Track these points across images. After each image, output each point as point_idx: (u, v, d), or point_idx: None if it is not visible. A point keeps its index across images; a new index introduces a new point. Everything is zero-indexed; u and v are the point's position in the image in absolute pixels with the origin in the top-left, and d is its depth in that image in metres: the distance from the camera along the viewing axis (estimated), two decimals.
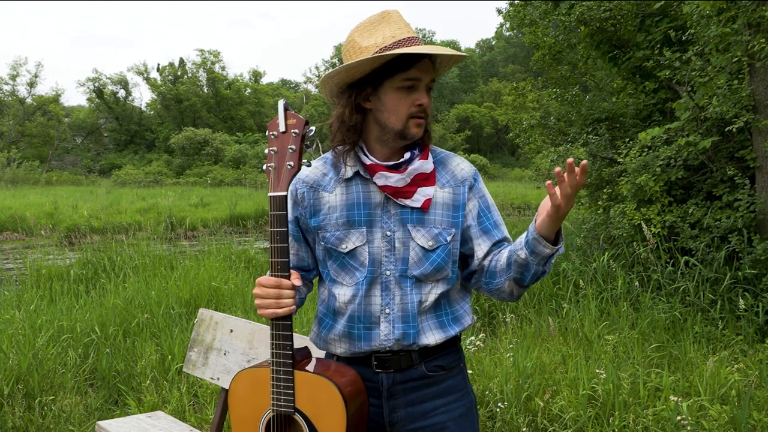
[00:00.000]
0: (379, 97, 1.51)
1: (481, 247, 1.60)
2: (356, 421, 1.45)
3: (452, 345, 1.63)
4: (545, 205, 1.41)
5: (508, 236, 1.65)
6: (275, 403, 1.45)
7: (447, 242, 1.56)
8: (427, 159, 1.57)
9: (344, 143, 1.57)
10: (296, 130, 1.45)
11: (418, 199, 1.54)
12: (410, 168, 1.54)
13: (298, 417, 1.45)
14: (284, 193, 1.44)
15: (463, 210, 1.59)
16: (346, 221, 1.56)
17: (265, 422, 1.48)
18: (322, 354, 1.72)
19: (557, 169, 1.33)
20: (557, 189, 1.36)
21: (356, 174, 1.58)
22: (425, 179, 1.56)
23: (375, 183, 1.55)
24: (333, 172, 1.60)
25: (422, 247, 1.55)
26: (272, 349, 1.45)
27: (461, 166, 1.63)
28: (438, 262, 1.55)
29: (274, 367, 1.44)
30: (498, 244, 1.61)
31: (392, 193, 1.54)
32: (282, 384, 1.44)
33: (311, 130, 1.47)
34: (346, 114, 1.54)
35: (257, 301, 1.45)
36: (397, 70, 1.48)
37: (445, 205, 1.57)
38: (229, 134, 42.98)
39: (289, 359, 1.43)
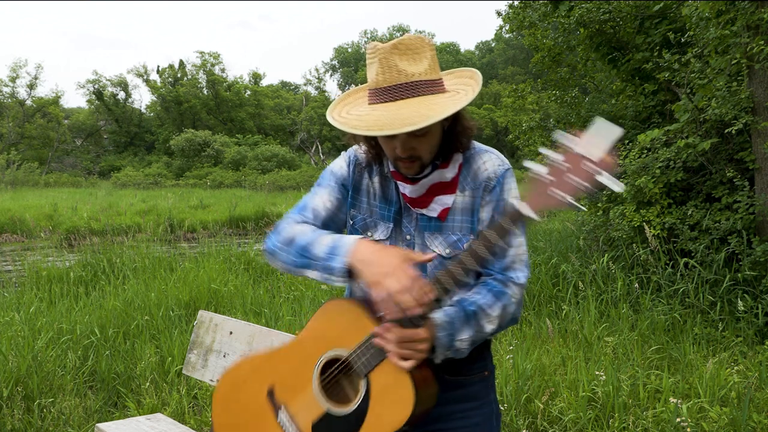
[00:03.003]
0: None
1: None
2: (406, 427, 1.40)
3: (477, 351, 1.55)
4: None
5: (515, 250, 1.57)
6: (357, 355, 1.41)
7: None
8: (448, 167, 1.51)
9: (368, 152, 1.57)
10: (599, 170, 1.19)
11: (434, 209, 1.51)
12: (423, 180, 1.50)
13: (362, 382, 1.41)
14: (532, 215, 1.27)
15: (477, 215, 1.53)
16: (378, 213, 1.57)
17: (326, 361, 1.46)
18: None
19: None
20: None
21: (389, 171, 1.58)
22: (445, 188, 1.51)
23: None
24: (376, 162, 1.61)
25: (440, 255, 1.52)
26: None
27: (485, 165, 1.53)
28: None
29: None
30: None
31: (409, 202, 1.54)
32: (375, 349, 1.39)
33: (615, 187, 1.20)
34: (355, 140, 1.58)
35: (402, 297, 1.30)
36: None
37: (465, 210, 1.52)
38: (229, 136, 42.95)
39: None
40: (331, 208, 1.60)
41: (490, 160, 1.54)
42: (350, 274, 1.39)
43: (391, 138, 1.42)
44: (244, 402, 1.60)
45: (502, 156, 1.57)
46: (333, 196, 1.60)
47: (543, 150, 1.27)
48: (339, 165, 1.64)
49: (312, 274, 1.46)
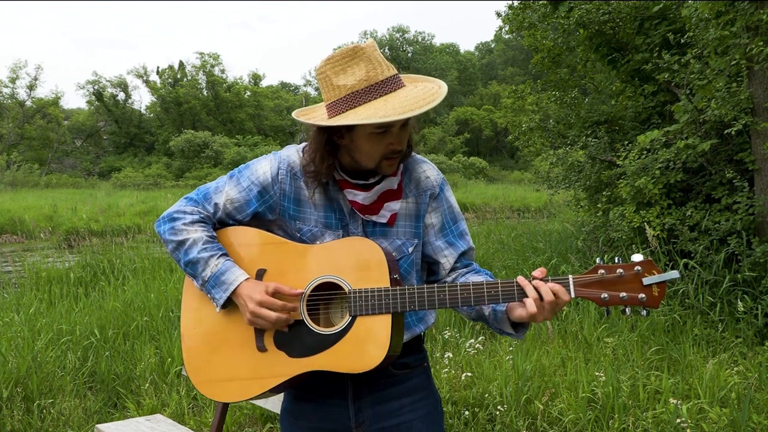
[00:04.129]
0: (352, 138, 1.50)
1: (447, 260, 1.64)
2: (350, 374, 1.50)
3: (417, 344, 1.66)
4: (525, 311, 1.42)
5: (472, 245, 1.69)
6: (360, 296, 1.46)
7: (409, 253, 1.60)
8: (396, 175, 1.59)
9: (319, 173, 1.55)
10: (643, 296, 1.39)
11: (384, 215, 1.57)
12: (377, 187, 1.56)
13: (347, 319, 1.47)
14: (572, 295, 1.42)
15: (423, 220, 1.62)
16: (324, 222, 1.58)
17: (323, 282, 1.51)
18: None
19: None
20: (537, 308, 1.39)
21: (332, 180, 1.58)
22: (393, 195, 1.58)
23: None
24: None
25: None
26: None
27: (427, 173, 1.64)
28: (401, 273, 1.57)
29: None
30: (462, 256, 1.65)
31: (359, 210, 1.56)
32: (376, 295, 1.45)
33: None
34: (318, 158, 1.52)
35: None
36: None
37: (409, 216, 1.61)
38: (229, 137, 42.97)
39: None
40: (231, 209, 1.59)
41: (429, 170, 1.65)
42: (228, 302, 1.52)
43: (384, 134, 1.46)
44: (234, 257, 1.58)
45: (435, 166, 1.69)
46: (242, 198, 1.58)
47: (635, 256, 1.41)
48: (263, 170, 1.59)
49: (194, 283, 1.56)
